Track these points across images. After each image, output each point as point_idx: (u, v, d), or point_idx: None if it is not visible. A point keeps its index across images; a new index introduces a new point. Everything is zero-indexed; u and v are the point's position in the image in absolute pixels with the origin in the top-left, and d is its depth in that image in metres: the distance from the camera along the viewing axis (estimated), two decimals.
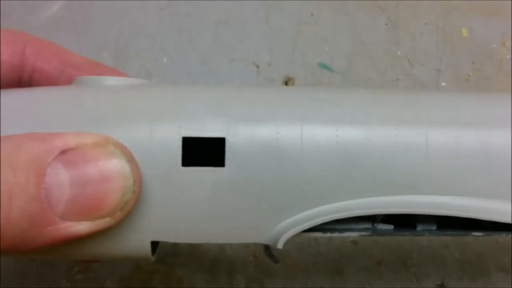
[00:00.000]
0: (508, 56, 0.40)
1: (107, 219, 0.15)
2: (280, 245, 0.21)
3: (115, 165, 0.15)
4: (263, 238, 0.21)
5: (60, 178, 0.14)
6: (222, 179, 0.20)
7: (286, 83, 0.37)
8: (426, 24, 0.40)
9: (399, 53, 0.39)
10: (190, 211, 0.20)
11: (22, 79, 0.22)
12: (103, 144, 0.15)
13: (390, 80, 0.38)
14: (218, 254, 0.34)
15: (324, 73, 0.37)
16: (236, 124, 0.20)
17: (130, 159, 0.16)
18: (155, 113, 0.20)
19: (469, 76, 0.38)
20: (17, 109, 0.19)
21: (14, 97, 0.20)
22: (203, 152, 0.20)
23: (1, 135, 0.14)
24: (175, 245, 0.34)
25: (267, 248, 0.22)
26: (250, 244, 0.32)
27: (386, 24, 0.40)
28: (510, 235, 0.23)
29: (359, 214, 0.21)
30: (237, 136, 0.20)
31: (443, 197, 0.22)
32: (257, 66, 0.37)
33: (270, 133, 0.20)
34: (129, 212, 0.16)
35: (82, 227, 0.14)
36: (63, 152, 0.14)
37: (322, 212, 0.21)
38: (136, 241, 0.19)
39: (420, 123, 0.22)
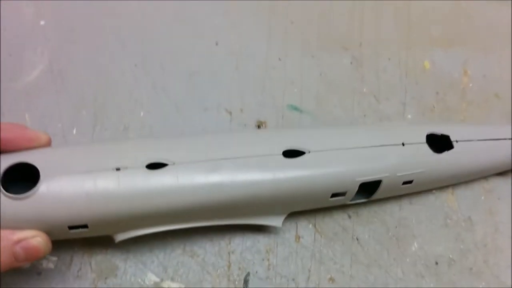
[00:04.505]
0: (471, 85, 0.42)
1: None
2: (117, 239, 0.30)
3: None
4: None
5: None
6: None
7: (258, 127, 0.38)
8: (389, 59, 0.42)
9: (365, 89, 0.40)
10: None
11: None
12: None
13: (358, 116, 0.39)
14: None
15: (294, 114, 0.39)
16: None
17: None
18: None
19: (434, 107, 0.40)
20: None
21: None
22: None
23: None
24: None
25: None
26: None
27: (351, 63, 0.42)
28: None
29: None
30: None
31: None
32: (230, 113, 0.38)
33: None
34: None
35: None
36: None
37: None
38: None
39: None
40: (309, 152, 0.31)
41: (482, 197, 0.37)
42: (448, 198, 0.36)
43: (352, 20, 0.44)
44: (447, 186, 0.36)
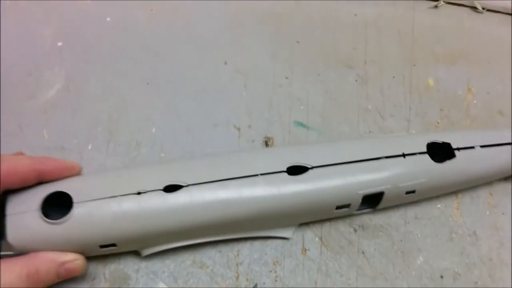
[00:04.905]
0: (475, 101, 0.42)
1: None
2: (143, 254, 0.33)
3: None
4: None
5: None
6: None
7: (266, 143, 0.39)
8: (393, 77, 0.43)
9: (369, 106, 0.42)
10: None
11: None
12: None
13: (363, 132, 0.40)
14: None
15: (301, 131, 0.40)
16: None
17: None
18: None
19: (438, 123, 0.41)
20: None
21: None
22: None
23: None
24: None
25: None
26: None
27: (356, 81, 0.43)
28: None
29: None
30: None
31: None
32: (238, 129, 0.40)
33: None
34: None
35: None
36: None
37: None
38: None
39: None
40: (312, 167, 0.32)
41: (487, 212, 0.37)
42: (453, 213, 0.37)
43: (357, 39, 0.45)
44: (452, 201, 0.37)
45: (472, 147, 0.35)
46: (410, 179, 0.33)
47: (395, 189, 0.33)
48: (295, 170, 0.32)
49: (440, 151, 0.34)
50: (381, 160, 0.33)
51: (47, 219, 0.29)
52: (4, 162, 0.30)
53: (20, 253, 0.30)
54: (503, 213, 0.37)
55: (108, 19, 0.45)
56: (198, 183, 0.31)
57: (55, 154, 0.37)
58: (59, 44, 0.43)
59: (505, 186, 0.38)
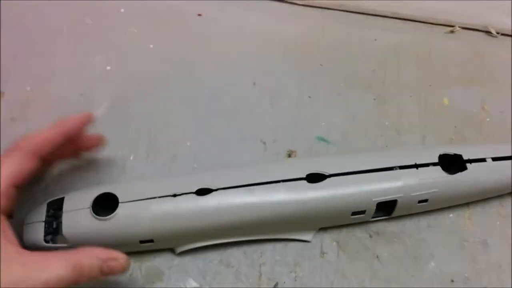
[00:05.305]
0: (488, 119, 0.45)
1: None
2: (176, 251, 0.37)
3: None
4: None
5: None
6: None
7: (289, 155, 0.43)
8: (410, 96, 0.46)
9: (387, 123, 0.45)
10: None
11: None
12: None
13: (380, 147, 0.43)
14: None
15: (322, 145, 0.44)
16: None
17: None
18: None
19: (452, 139, 0.43)
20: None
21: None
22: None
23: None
24: None
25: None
26: None
27: (374, 99, 0.46)
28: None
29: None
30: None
31: None
32: (264, 143, 0.44)
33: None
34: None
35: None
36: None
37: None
38: None
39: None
40: (329, 175, 0.36)
41: (498, 222, 0.39)
42: (464, 223, 0.39)
43: (376, 62, 0.49)
44: (464, 211, 0.39)
45: (484, 160, 0.37)
46: (422, 189, 0.36)
47: (407, 198, 0.36)
48: (314, 178, 0.36)
49: (452, 163, 0.37)
50: (395, 170, 0.36)
51: (97, 216, 0.34)
52: (34, 135, 0.34)
53: (73, 246, 0.35)
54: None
55: (151, 46, 0.50)
56: (227, 187, 0.35)
57: (102, 164, 0.42)
58: (108, 68, 0.48)
59: (505, 199, 0.40)
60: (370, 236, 0.38)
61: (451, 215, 0.39)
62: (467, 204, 0.39)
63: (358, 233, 0.38)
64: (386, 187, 0.35)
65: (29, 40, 0.49)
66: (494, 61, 0.48)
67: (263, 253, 0.38)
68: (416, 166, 0.36)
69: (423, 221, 0.39)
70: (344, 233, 0.38)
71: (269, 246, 0.38)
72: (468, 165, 0.37)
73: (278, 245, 0.38)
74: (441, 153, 0.37)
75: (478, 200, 0.39)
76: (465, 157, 0.37)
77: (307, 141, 0.44)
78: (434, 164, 0.36)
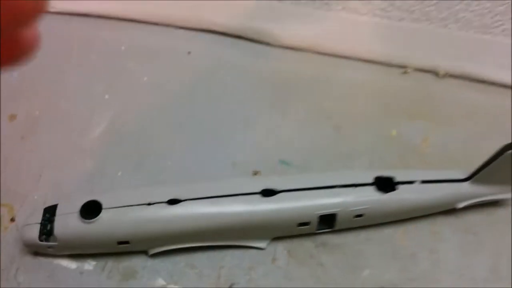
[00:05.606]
0: (430, 150, 0.51)
1: None
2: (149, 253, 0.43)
3: None
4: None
5: None
6: None
7: (254, 175, 0.50)
8: (364, 127, 0.53)
9: (342, 150, 0.51)
10: None
11: None
12: None
13: (334, 170, 0.50)
14: None
15: (284, 167, 0.50)
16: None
17: None
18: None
19: (397, 165, 0.50)
20: None
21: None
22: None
23: None
24: None
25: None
26: None
27: (333, 129, 0.53)
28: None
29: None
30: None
31: None
32: (234, 164, 0.50)
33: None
34: None
35: None
36: None
37: None
38: None
39: None
40: (280, 191, 0.42)
41: (428, 238, 0.44)
42: (399, 237, 0.44)
43: (338, 97, 0.56)
44: (399, 227, 0.45)
45: (412, 182, 0.43)
46: (358, 205, 0.42)
47: (345, 212, 0.42)
48: (268, 193, 0.42)
49: (386, 184, 0.43)
50: (336, 188, 0.42)
51: (83, 219, 0.41)
52: None
53: (63, 244, 0.41)
54: (442, 240, 0.44)
55: (145, 78, 0.58)
56: (194, 198, 0.42)
57: (94, 179, 0.49)
58: (106, 97, 0.57)
59: (446, 217, 0.45)
60: (316, 247, 0.44)
61: (387, 230, 0.45)
62: (402, 221, 0.45)
63: (306, 243, 0.44)
64: (327, 202, 0.42)
65: (41, 69, 0.58)
66: (440, 99, 0.55)
67: (223, 257, 0.44)
68: (355, 185, 0.43)
69: (363, 234, 0.45)
70: (294, 243, 0.44)
71: (229, 252, 0.44)
72: (398, 186, 0.43)
73: (237, 251, 0.44)
74: (377, 176, 0.43)
75: (412, 218, 0.45)
76: (397, 180, 0.43)
77: (271, 164, 0.50)
78: (370, 184, 0.43)
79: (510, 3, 0.54)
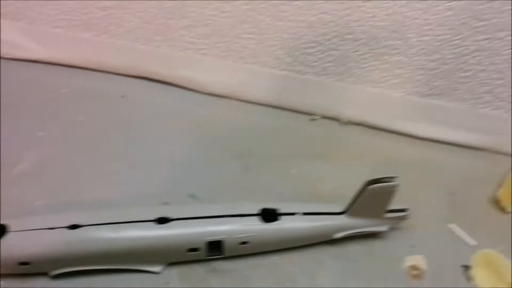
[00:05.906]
0: (326, 187, 0.56)
1: None
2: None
3: None
4: None
5: None
6: None
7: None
8: (269, 167, 0.58)
9: (247, 186, 0.56)
10: None
11: None
12: None
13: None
14: None
15: (192, 200, 0.55)
16: None
17: None
18: None
19: (292, 200, 0.55)
20: None
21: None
22: None
23: None
24: None
25: None
26: None
27: (241, 167, 0.58)
28: None
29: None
30: None
31: None
32: (147, 195, 0.55)
33: None
34: None
35: None
36: None
37: None
38: None
39: None
40: (173, 219, 0.46)
41: (311, 265, 0.49)
42: (284, 264, 0.49)
43: (249, 139, 0.61)
44: (286, 255, 0.49)
45: (294, 213, 0.48)
46: (242, 233, 0.46)
47: (231, 239, 0.46)
48: (162, 221, 0.47)
49: (270, 215, 0.48)
50: (224, 217, 0.47)
51: None
52: None
53: None
54: (323, 267, 0.48)
55: (79, 118, 0.64)
56: (93, 224, 0.46)
57: (15, 206, 0.53)
58: (40, 133, 0.62)
59: (329, 247, 0.50)
60: (208, 272, 0.48)
61: (274, 257, 0.49)
62: (289, 249, 0.49)
63: (198, 268, 0.48)
64: (214, 230, 0.46)
65: None
66: (339, 143, 0.61)
67: (121, 280, 0.47)
68: (242, 215, 0.47)
69: (251, 261, 0.49)
70: (187, 268, 0.48)
71: (126, 275, 0.47)
72: (281, 217, 0.47)
73: (134, 275, 0.47)
74: (263, 208, 0.48)
75: (297, 247, 0.49)
76: (281, 211, 0.48)
77: (181, 196, 0.55)
78: (255, 215, 0.47)
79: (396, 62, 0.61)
